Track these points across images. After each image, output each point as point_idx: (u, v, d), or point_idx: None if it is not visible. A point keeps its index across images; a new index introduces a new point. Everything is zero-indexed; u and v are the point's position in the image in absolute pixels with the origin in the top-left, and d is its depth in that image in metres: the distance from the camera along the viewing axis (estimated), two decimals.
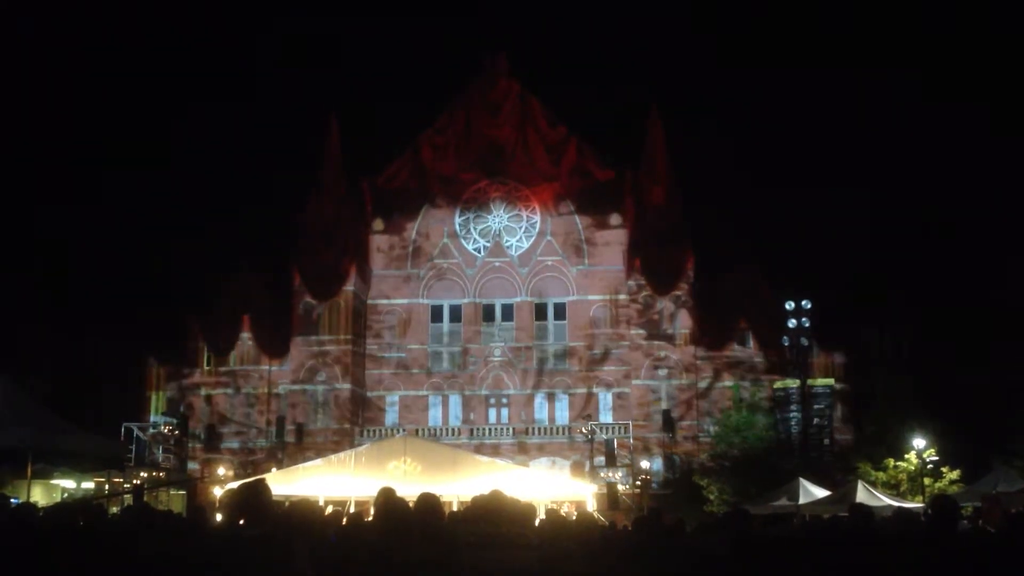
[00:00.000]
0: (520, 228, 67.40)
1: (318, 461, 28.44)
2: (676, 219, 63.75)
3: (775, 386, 49.59)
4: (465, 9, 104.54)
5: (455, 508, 20.27)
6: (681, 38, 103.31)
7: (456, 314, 66.41)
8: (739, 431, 49.66)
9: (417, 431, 57.61)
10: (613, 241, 66.00)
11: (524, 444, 61.20)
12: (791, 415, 45.91)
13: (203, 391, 63.41)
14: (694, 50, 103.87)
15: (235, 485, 11.07)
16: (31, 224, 79.15)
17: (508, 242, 67.08)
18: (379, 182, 68.17)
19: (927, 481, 37.29)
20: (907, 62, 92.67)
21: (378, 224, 67.40)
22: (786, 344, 44.58)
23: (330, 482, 23.93)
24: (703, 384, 61.28)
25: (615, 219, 66.03)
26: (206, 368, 63.75)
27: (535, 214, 67.28)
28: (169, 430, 54.99)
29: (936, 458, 38.27)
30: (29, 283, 64.05)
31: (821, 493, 31.61)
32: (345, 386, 62.52)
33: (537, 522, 12.22)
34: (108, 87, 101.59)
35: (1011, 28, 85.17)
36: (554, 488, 27.24)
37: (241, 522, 6.19)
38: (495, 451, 54.68)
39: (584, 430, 56.64)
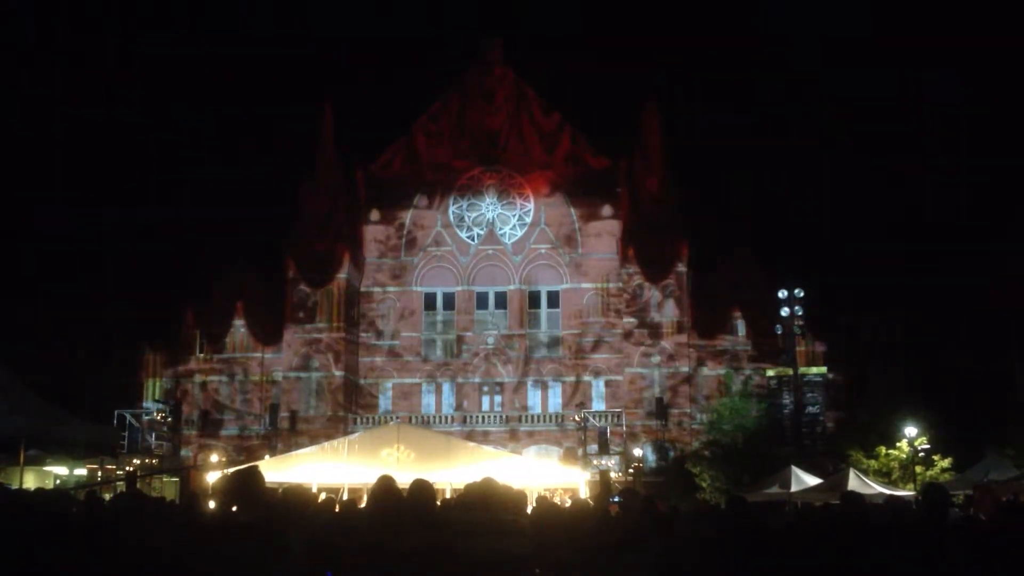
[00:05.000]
0: (513, 216, 67.33)
1: (311, 448, 28.44)
2: (670, 208, 63.71)
3: (767, 374, 49.73)
4: None
5: (448, 495, 20.34)
6: (677, 26, 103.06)
7: (449, 302, 66.42)
8: (731, 419, 49.77)
9: (410, 418, 57.83)
10: (607, 229, 65.97)
11: (517, 432, 61.34)
12: (783, 403, 46.04)
13: (197, 378, 63.38)
14: (690, 38, 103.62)
15: (228, 472, 11.07)
16: (28, 212, 78.97)
17: (501, 230, 67.02)
18: (373, 170, 68.04)
19: (919, 469, 37.37)
20: (905, 53, 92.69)
21: (372, 212, 67.28)
22: (778, 332, 44.63)
23: (323, 469, 23.94)
24: (696, 372, 61.43)
25: (609, 207, 65.95)
26: (200, 355, 63.70)
27: (529, 202, 67.20)
28: (162, 417, 55.00)
29: (928, 446, 38.40)
30: (24, 271, 63.95)
31: (813, 481, 31.68)
32: (338, 373, 62.52)
33: (529, 509, 12.24)
34: (103, 76, 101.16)
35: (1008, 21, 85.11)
36: (547, 475, 27.30)
37: (234, 509, 6.20)
38: (488, 438, 54.81)
39: (577, 418, 56.76)
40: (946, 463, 37.85)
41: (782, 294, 41.65)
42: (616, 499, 22.63)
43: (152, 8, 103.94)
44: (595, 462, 49.17)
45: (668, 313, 62.08)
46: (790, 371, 44.89)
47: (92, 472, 39.84)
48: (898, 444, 39.04)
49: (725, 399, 53.53)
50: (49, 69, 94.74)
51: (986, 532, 8.46)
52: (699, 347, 61.82)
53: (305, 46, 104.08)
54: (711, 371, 61.15)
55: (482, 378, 64.67)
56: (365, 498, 13.39)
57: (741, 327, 61.49)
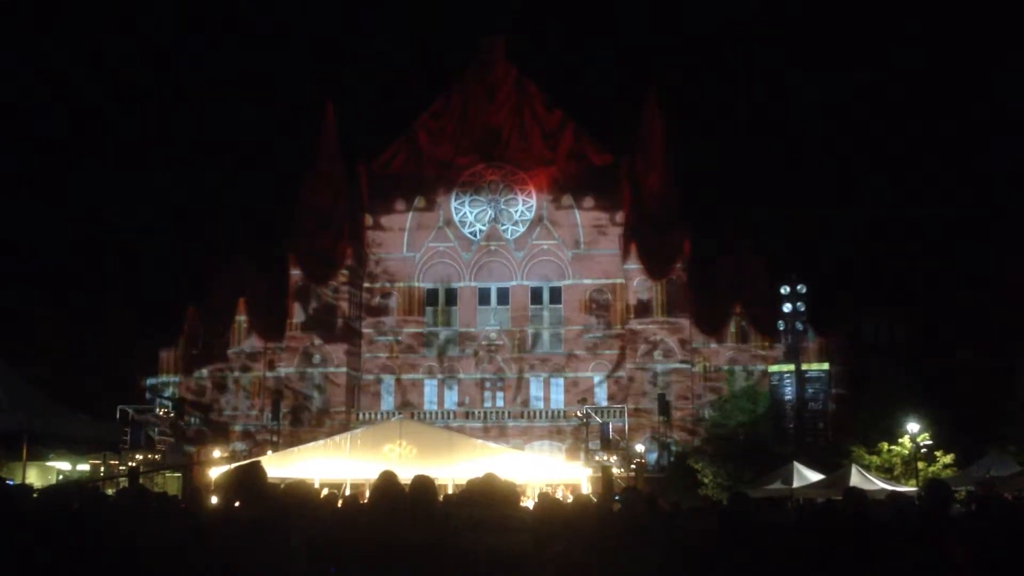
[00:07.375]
0: (516, 212, 67.32)
1: (314, 444, 28.46)
2: (673, 204, 63.77)
3: (770, 370, 49.67)
4: None
5: (450, 491, 20.34)
6: (678, 22, 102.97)
7: (452, 298, 66.43)
8: (733, 415, 49.77)
9: (413, 414, 57.76)
10: (609, 225, 65.95)
11: (519, 427, 61.35)
12: (786, 399, 46.02)
13: (199, 374, 63.43)
14: (691, 34, 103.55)
15: (231, 468, 11.06)
16: (29, 209, 79.02)
17: (504, 226, 67.01)
18: (375, 166, 68.05)
19: (921, 465, 37.41)
20: (903, 47, 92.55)
21: (374, 209, 67.25)
22: (781, 328, 44.62)
23: (326, 465, 23.97)
24: (698, 368, 61.37)
25: (611, 203, 65.92)
26: (202, 351, 63.73)
27: (531, 198, 67.18)
28: (165, 413, 54.98)
29: (930, 442, 38.42)
30: (27, 265, 64.01)
31: (815, 477, 31.71)
32: (341, 369, 62.56)
33: (530, 504, 12.24)
34: (106, 73, 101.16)
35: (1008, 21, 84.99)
36: (549, 471, 27.30)
37: (236, 504, 6.20)
38: (490, 434, 54.79)
39: (579, 414, 56.72)
40: (948, 459, 37.89)
41: (784, 290, 41.64)
42: (618, 497, 22.67)
43: (153, 5, 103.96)
44: (597, 458, 49.17)
45: (671, 309, 62.03)
46: (792, 367, 44.90)
47: (95, 468, 39.83)
48: (900, 440, 39.09)
49: (727, 395, 53.50)
50: (51, 67, 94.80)
51: (988, 528, 8.45)
52: (701, 343, 61.79)
53: (307, 43, 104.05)
54: (713, 367, 61.08)
55: (485, 374, 64.68)
56: (367, 494, 13.41)
57: (743, 323, 61.45)
